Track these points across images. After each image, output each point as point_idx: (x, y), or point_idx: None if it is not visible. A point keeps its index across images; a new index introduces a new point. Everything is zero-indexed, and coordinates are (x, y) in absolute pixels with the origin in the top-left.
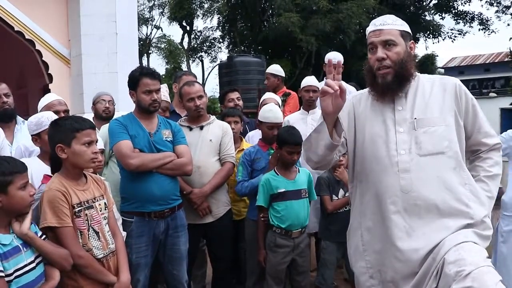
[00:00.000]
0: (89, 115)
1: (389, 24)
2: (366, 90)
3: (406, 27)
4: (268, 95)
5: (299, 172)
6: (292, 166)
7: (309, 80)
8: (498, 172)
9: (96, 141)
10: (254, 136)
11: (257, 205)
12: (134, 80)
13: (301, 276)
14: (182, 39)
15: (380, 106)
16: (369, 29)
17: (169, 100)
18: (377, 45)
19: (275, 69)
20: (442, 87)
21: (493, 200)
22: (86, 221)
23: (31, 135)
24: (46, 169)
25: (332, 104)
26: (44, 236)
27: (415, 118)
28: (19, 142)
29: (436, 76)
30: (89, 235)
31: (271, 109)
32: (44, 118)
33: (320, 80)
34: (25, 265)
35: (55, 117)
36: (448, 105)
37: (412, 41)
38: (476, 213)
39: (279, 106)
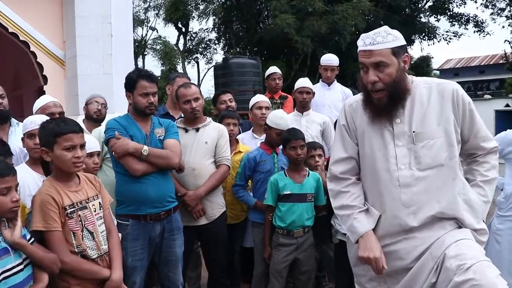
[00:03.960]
0: (82, 117)
1: (380, 43)
2: (359, 97)
3: (398, 42)
4: (261, 97)
5: (308, 176)
6: (300, 165)
7: (303, 82)
8: (495, 176)
9: (82, 145)
10: (244, 139)
11: (266, 204)
12: (131, 82)
13: (304, 275)
14: (178, 40)
15: (377, 118)
16: (359, 46)
17: None
18: (368, 66)
19: (280, 71)
20: (440, 94)
21: (488, 205)
22: (80, 222)
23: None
24: (35, 176)
25: None
26: (32, 240)
27: (413, 132)
28: (14, 144)
29: (433, 81)
30: (83, 236)
31: (282, 116)
32: (28, 121)
33: (315, 82)
34: (13, 267)
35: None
36: (446, 114)
37: (406, 54)
38: (469, 222)
39: (269, 109)
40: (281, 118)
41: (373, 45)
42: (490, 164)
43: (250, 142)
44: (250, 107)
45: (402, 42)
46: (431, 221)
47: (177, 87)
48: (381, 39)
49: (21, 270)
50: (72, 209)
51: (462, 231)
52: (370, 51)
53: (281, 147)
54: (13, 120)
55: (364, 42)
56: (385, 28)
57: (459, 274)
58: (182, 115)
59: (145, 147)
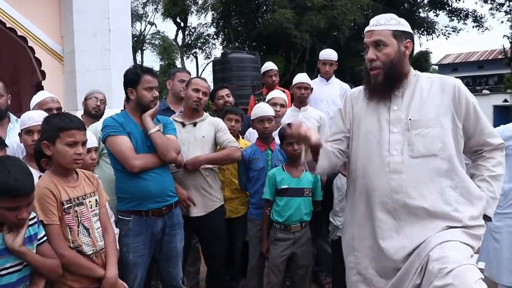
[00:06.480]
0: (80, 113)
1: (382, 25)
2: (362, 87)
3: (401, 27)
4: (277, 93)
5: (306, 170)
6: (297, 160)
7: (301, 77)
8: (501, 172)
9: (84, 142)
10: (255, 133)
11: (264, 198)
12: (135, 77)
13: (302, 269)
14: (176, 35)
15: (376, 104)
16: (365, 29)
17: None
18: (368, 45)
19: (276, 67)
20: (440, 87)
21: (496, 201)
22: (76, 217)
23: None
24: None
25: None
26: (45, 238)
27: (409, 119)
28: (12, 140)
29: (436, 76)
30: (79, 231)
31: (258, 105)
32: (26, 117)
33: (314, 76)
34: (12, 266)
35: (35, 118)
36: (445, 107)
37: (408, 40)
38: (465, 215)
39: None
40: (257, 107)
41: (376, 26)
42: (496, 160)
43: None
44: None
45: (406, 28)
46: (421, 215)
47: (179, 80)
48: (384, 21)
49: (18, 270)
50: (69, 205)
51: (450, 231)
52: (372, 31)
53: (277, 142)
54: (12, 116)
55: (370, 24)
56: (391, 14)
57: (439, 278)
58: (182, 109)
59: (158, 127)
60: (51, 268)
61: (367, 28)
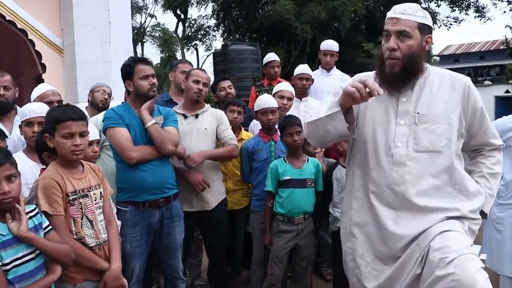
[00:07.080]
0: (83, 105)
1: (409, 15)
2: (372, 73)
3: (426, 20)
4: (285, 86)
5: (307, 161)
6: (298, 151)
7: (302, 68)
8: (500, 170)
9: (81, 133)
10: (259, 124)
11: (266, 190)
12: (129, 69)
13: (304, 261)
14: (177, 27)
15: (385, 94)
16: (388, 15)
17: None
18: (391, 33)
19: (278, 59)
20: (451, 84)
21: (493, 198)
22: (80, 209)
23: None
24: (32, 165)
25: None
26: (50, 227)
27: (417, 113)
28: (18, 132)
29: (446, 71)
30: (82, 223)
31: (262, 97)
32: (26, 109)
33: (314, 68)
34: (24, 255)
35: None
36: (454, 104)
37: (430, 35)
38: (464, 208)
39: (293, 97)
40: (261, 99)
41: (402, 15)
42: (496, 159)
43: None
44: (272, 94)
45: (430, 22)
46: (419, 209)
47: (181, 71)
48: (411, 11)
49: (32, 259)
50: (74, 196)
51: (449, 222)
52: (397, 19)
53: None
54: (19, 109)
55: (395, 11)
56: (417, 4)
57: (441, 268)
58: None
59: (154, 120)
60: (63, 252)
61: (391, 14)
